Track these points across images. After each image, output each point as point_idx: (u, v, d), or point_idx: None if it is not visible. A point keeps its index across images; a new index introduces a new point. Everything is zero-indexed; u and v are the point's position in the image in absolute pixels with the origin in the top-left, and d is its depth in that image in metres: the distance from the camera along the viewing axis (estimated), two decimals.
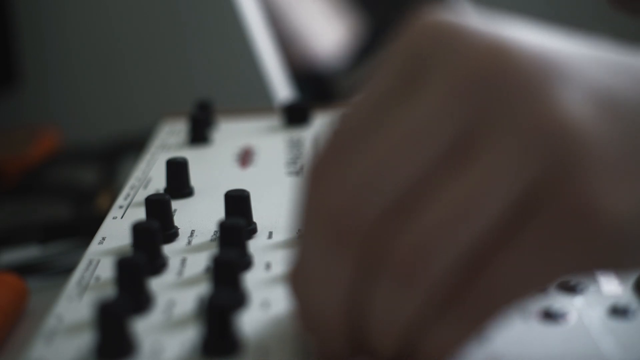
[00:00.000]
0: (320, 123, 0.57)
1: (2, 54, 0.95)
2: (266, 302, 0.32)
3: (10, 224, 0.65)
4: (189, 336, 0.29)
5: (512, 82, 0.23)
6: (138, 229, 0.35)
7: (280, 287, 0.32)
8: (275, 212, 0.39)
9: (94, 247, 0.38)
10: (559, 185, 0.23)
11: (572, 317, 0.30)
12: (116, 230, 0.40)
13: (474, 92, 0.23)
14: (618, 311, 0.30)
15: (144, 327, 0.30)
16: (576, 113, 0.23)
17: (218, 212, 0.39)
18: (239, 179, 0.47)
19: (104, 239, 0.39)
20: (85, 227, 0.55)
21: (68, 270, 0.40)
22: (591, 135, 0.23)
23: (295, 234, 0.26)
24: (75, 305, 0.32)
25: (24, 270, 0.50)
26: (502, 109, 0.23)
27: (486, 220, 0.23)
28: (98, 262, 0.36)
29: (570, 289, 0.31)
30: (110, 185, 0.74)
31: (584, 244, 0.23)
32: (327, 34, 1.03)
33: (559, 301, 0.31)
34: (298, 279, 0.26)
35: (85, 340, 0.29)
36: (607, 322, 0.29)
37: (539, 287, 0.24)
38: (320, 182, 0.25)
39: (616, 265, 0.24)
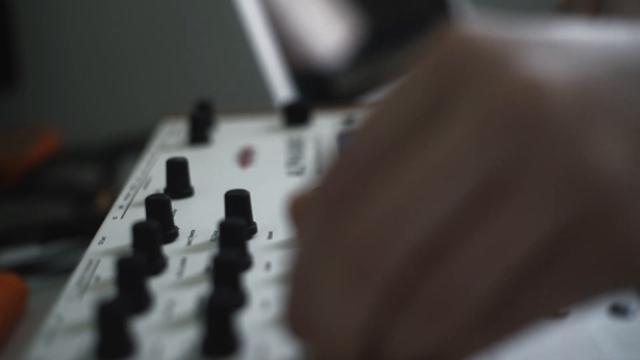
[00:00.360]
0: (323, 124, 0.56)
1: (2, 54, 0.95)
2: (266, 302, 0.32)
3: (10, 224, 0.65)
4: (189, 336, 0.29)
5: (548, 124, 0.22)
6: (138, 229, 0.35)
7: (281, 287, 0.32)
8: (275, 212, 0.39)
9: (94, 247, 0.38)
10: (594, 228, 0.23)
11: (572, 317, 0.30)
12: (116, 230, 0.40)
13: (505, 131, 0.22)
14: (618, 311, 0.30)
15: (144, 327, 0.30)
16: (611, 157, 0.23)
17: (218, 212, 0.39)
18: (239, 179, 0.47)
19: (104, 239, 0.39)
20: (85, 227, 0.55)
21: (68, 270, 0.40)
22: (629, 178, 0.23)
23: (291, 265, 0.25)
24: (75, 305, 0.32)
25: (24, 270, 0.50)
26: (537, 152, 0.22)
27: (516, 261, 0.23)
28: (98, 262, 0.36)
29: None
30: (110, 185, 0.74)
31: (619, 272, 0.23)
32: (327, 34, 1.03)
33: None
34: (309, 307, 0.25)
35: (85, 340, 0.29)
36: (607, 321, 0.29)
37: (578, 304, 0.24)
38: (337, 214, 0.24)
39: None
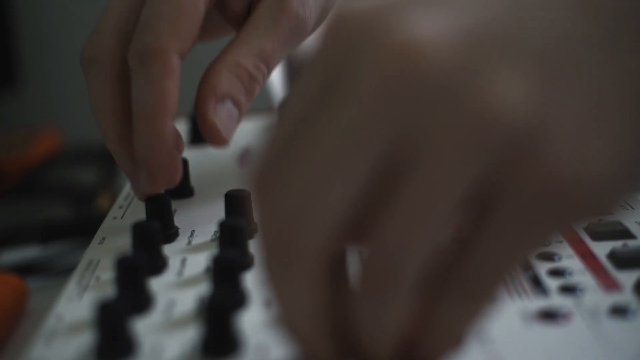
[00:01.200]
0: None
1: (2, 55, 0.95)
2: (266, 302, 0.32)
3: (10, 224, 0.65)
4: (189, 336, 0.29)
5: (435, 80, 0.22)
6: (138, 229, 0.35)
7: None
8: None
9: (94, 247, 0.38)
10: (520, 166, 0.23)
11: (572, 317, 0.30)
12: (116, 230, 0.40)
13: (396, 96, 0.22)
14: (618, 311, 0.30)
15: (144, 327, 0.30)
16: (515, 93, 0.22)
17: (218, 212, 0.39)
18: (239, 179, 0.47)
19: (104, 239, 0.39)
20: (85, 227, 0.55)
21: (68, 270, 0.40)
22: (538, 113, 0.22)
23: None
24: (75, 305, 0.32)
25: (24, 270, 0.50)
26: (433, 110, 0.22)
27: (447, 219, 0.23)
28: (98, 262, 0.36)
29: (570, 289, 0.31)
30: (110, 185, 0.74)
31: (563, 210, 0.23)
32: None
33: (559, 301, 0.31)
34: (271, 292, 0.25)
35: (85, 340, 0.29)
36: (607, 322, 0.29)
37: (528, 253, 0.24)
38: (264, 195, 0.24)
39: (596, 214, 0.25)
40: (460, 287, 0.24)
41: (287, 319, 0.25)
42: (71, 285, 0.34)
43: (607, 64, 0.24)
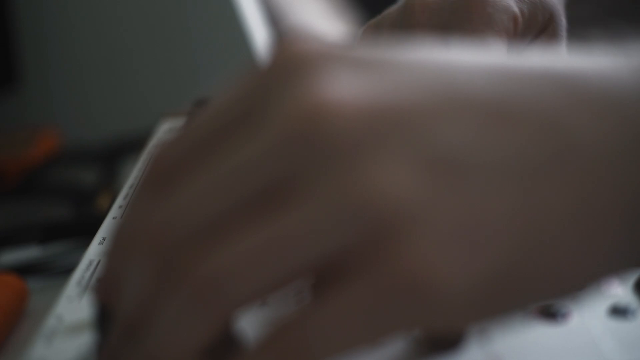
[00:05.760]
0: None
1: (2, 54, 0.95)
2: (266, 302, 0.31)
3: (10, 224, 0.65)
4: None
5: (324, 148, 0.22)
6: None
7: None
8: None
9: (94, 247, 0.38)
10: (375, 253, 0.22)
11: (572, 317, 0.30)
12: None
13: (289, 147, 0.23)
14: (618, 311, 0.30)
15: None
16: (397, 184, 0.22)
17: None
18: None
19: (104, 239, 0.39)
20: (85, 227, 0.55)
21: (68, 270, 0.40)
22: (414, 207, 0.22)
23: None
24: (75, 305, 0.32)
25: (24, 270, 0.50)
26: (314, 172, 0.22)
27: (285, 275, 0.23)
28: (98, 262, 0.36)
29: None
30: (110, 185, 0.74)
31: (410, 310, 0.22)
32: (327, 33, 1.03)
33: (558, 301, 0.31)
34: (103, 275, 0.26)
35: (85, 340, 0.29)
36: (607, 322, 0.29)
37: (362, 346, 0.23)
38: (142, 203, 0.25)
39: (440, 326, 0.23)
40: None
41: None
42: (71, 285, 0.34)
43: (506, 183, 0.22)
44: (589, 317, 0.29)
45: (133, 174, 0.48)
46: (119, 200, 0.44)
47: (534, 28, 0.39)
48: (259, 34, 0.93)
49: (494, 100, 0.23)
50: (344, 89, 0.23)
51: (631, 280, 0.32)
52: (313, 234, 0.22)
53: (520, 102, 0.23)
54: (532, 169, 0.23)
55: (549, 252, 0.22)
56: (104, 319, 0.28)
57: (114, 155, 0.81)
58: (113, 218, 0.42)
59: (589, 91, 0.24)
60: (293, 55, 0.24)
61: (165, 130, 0.57)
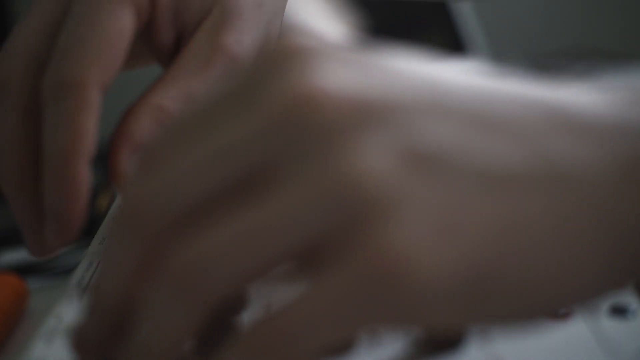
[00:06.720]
0: None
1: None
2: (266, 302, 0.32)
3: (10, 224, 0.65)
4: None
5: (309, 133, 0.23)
6: None
7: (281, 287, 0.32)
8: None
9: (94, 247, 0.38)
10: (354, 238, 0.22)
11: (573, 317, 0.30)
12: None
13: (275, 133, 0.23)
14: (618, 311, 0.30)
15: None
16: (376, 170, 0.22)
17: None
18: None
19: (104, 239, 0.39)
20: (85, 227, 0.55)
21: (68, 270, 0.40)
22: (392, 192, 0.22)
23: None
24: (75, 305, 0.32)
25: (24, 270, 0.50)
26: (298, 154, 0.23)
27: (264, 263, 0.23)
28: (98, 262, 0.36)
29: None
30: (110, 185, 0.74)
31: (385, 299, 0.22)
32: (327, 34, 1.03)
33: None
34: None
35: None
36: (607, 322, 0.29)
37: (334, 338, 0.22)
38: (140, 177, 0.25)
39: (418, 322, 0.22)
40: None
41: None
42: (71, 285, 0.34)
43: (486, 188, 0.23)
44: (589, 317, 0.30)
45: None
46: (119, 200, 0.44)
47: None
48: None
49: (480, 110, 0.24)
50: (335, 80, 0.23)
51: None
52: (296, 219, 0.22)
53: (504, 117, 0.24)
54: (514, 180, 0.23)
55: (526, 262, 0.22)
56: None
57: None
58: (113, 218, 0.41)
59: (568, 114, 0.24)
60: (288, 48, 0.24)
61: None
